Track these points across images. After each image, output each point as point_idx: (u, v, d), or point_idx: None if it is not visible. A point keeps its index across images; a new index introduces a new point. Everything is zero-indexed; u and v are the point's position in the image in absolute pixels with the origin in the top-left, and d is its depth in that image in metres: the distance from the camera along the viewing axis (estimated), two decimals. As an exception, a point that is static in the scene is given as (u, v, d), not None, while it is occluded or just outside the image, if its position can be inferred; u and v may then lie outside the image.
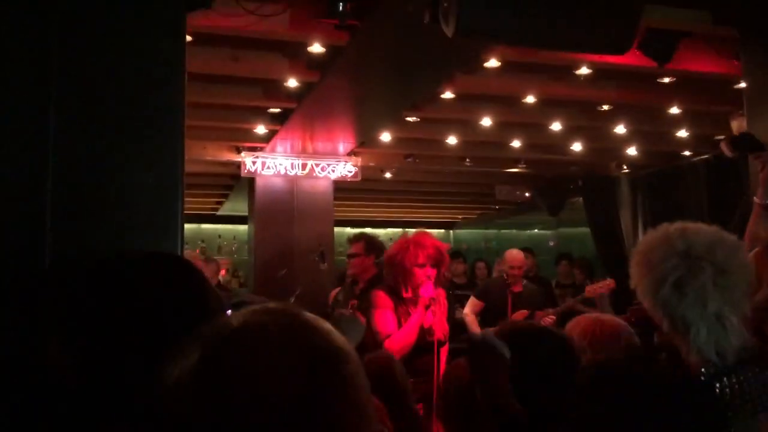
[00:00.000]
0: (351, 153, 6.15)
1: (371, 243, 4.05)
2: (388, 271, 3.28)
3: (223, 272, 9.06)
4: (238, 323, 0.67)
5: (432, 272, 3.21)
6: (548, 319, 4.71)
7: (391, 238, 10.32)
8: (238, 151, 5.88)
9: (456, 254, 7.20)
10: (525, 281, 5.04)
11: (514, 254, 5.08)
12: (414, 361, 3.02)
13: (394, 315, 3.21)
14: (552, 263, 7.42)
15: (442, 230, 11.76)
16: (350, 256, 4.15)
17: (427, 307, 3.16)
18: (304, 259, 5.88)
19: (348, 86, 4.00)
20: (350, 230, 11.08)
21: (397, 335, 3.15)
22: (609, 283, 4.96)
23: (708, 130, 5.50)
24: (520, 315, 4.80)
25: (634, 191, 7.17)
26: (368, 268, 3.99)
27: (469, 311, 5.06)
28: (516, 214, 9.97)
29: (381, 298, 3.25)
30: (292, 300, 5.01)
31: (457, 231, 11.82)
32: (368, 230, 11.18)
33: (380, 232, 11.14)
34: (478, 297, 5.13)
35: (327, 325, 0.68)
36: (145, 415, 0.65)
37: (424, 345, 3.14)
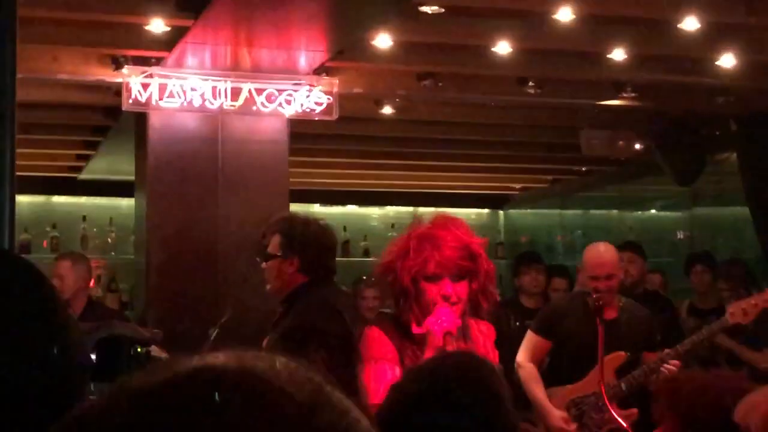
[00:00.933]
0: (321, 69, 6.18)
1: (291, 233, 4.18)
2: (388, 291, 3.33)
3: (91, 282, 9.12)
4: (154, 403, 0.68)
5: (453, 289, 3.25)
6: (669, 368, 4.78)
7: (393, 226, 10.40)
8: (117, 64, 5.89)
9: (536, 258, 7.28)
10: (624, 300, 5.07)
11: (599, 252, 5.15)
12: None
13: (396, 368, 3.26)
14: (683, 270, 7.47)
15: (485, 210, 11.83)
16: (266, 256, 4.35)
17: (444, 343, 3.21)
18: (236, 260, 5.96)
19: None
20: (320, 209, 11.26)
21: None
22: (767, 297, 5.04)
23: None
24: (615, 360, 4.84)
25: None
26: (289, 277, 4.13)
27: (524, 359, 5.13)
28: (618, 182, 9.99)
29: (374, 340, 3.31)
30: (214, 334, 5.06)
31: (512, 212, 11.87)
32: (352, 209, 11.42)
33: (374, 212, 11.23)
34: (539, 332, 5.20)
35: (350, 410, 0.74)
36: None
37: None
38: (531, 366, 5.06)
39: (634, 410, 4.78)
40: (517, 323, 6.40)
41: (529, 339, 5.18)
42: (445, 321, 3.19)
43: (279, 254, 4.18)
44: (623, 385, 4.86)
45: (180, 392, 0.68)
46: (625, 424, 4.53)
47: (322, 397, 0.70)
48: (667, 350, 4.97)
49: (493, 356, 3.41)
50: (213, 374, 0.69)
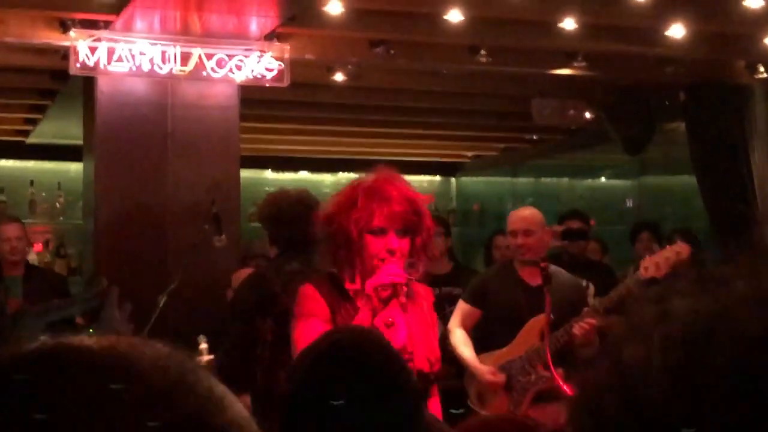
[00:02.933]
0: (272, 35, 6.14)
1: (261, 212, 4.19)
2: (326, 246, 3.30)
3: (38, 246, 9.03)
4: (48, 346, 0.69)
5: (399, 244, 3.23)
6: (582, 325, 4.85)
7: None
8: (65, 28, 5.81)
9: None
10: (552, 267, 5.13)
11: (519, 211, 5.35)
12: None
13: (327, 327, 3.24)
14: (629, 238, 7.55)
15: (438, 177, 11.85)
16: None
17: (385, 302, 3.19)
18: (185, 226, 5.92)
19: None
20: (272, 175, 11.22)
21: None
22: (679, 250, 5.07)
23: None
24: (535, 324, 4.91)
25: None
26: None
27: (454, 325, 5.23)
28: (568, 151, 10.05)
29: (307, 297, 3.28)
30: (163, 300, 5.05)
31: (464, 179, 11.90)
32: (304, 175, 11.38)
33: (326, 178, 11.22)
34: (469, 300, 5.30)
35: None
36: None
37: None
38: (461, 331, 5.18)
39: (559, 371, 4.83)
40: (437, 290, 6.39)
41: (460, 307, 5.28)
42: (391, 276, 3.16)
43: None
44: (547, 347, 4.92)
45: (31, 369, 0.67)
46: (561, 382, 4.59)
47: (184, 383, 0.69)
48: (586, 308, 5.05)
49: (431, 318, 3.42)
50: (61, 354, 0.68)
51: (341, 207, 3.26)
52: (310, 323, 3.22)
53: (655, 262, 5.08)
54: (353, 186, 3.31)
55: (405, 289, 3.22)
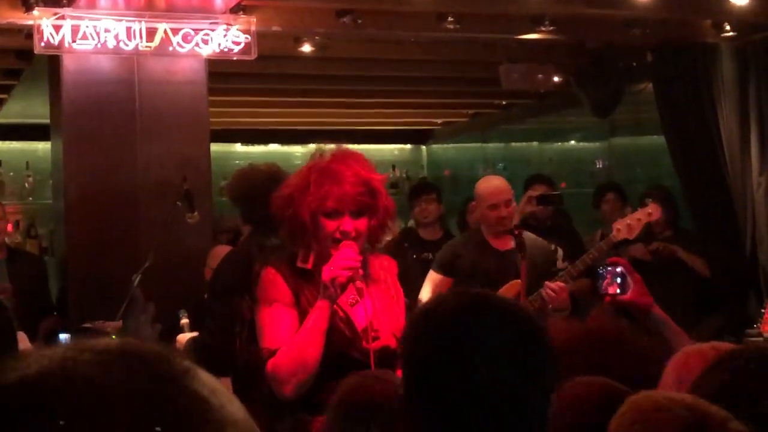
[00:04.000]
0: (238, 8, 6.09)
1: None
2: (283, 228, 3.31)
3: (9, 227, 8.96)
4: (22, 376, 0.69)
5: (353, 225, 3.22)
6: (555, 289, 4.88)
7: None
8: (28, 6, 5.74)
9: (426, 188, 7.24)
10: (525, 232, 5.15)
11: (495, 182, 5.35)
12: (331, 388, 3.03)
13: (292, 311, 3.24)
14: (592, 201, 7.60)
15: (408, 145, 11.85)
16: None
17: (343, 288, 3.17)
18: (156, 204, 5.89)
19: None
20: (242, 148, 11.19)
21: (285, 350, 3.16)
22: (651, 211, 5.12)
23: None
24: (511, 288, 4.94)
25: (743, 70, 7.30)
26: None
27: (426, 294, 5.23)
28: (538, 115, 10.07)
29: (269, 282, 3.28)
30: (137, 279, 5.03)
31: (435, 146, 11.91)
32: (274, 147, 11.35)
33: (296, 150, 11.19)
34: (440, 270, 5.31)
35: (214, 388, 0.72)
36: None
37: (353, 359, 3.19)
38: None
39: None
40: (414, 256, 6.44)
41: (431, 277, 5.30)
42: (346, 260, 3.13)
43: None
44: None
45: (13, 399, 0.67)
46: None
47: (178, 385, 0.69)
48: (560, 273, 5.11)
49: (396, 291, 3.41)
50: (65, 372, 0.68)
51: (296, 189, 3.24)
52: (274, 309, 3.23)
53: (627, 224, 5.13)
54: (308, 167, 3.29)
55: (361, 272, 3.20)
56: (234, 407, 0.71)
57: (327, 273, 3.12)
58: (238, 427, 0.70)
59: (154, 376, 0.69)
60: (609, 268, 3.28)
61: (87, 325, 3.54)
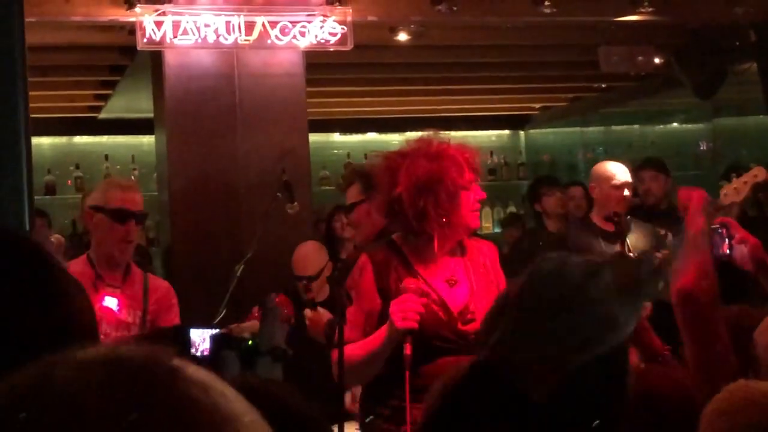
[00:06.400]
0: (334, 0, 6.14)
1: (366, 177, 4.05)
2: (409, 203, 3.24)
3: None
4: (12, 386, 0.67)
5: (479, 198, 3.35)
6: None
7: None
8: (130, 4, 5.87)
9: (550, 180, 7.24)
10: (629, 218, 5.24)
11: (616, 164, 5.40)
12: (428, 372, 3.05)
13: (371, 302, 3.26)
14: (710, 182, 7.44)
15: (506, 131, 11.78)
16: (348, 209, 4.28)
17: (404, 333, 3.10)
18: (257, 195, 5.96)
19: None
20: (340, 138, 11.25)
21: (348, 354, 3.14)
22: (756, 173, 5.03)
23: None
24: None
25: None
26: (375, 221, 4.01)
27: None
28: (638, 97, 9.91)
29: (358, 270, 3.33)
30: (240, 270, 5.11)
31: (533, 132, 11.81)
32: (372, 136, 11.38)
33: (394, 138, 11.21)
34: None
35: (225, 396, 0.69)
36: None
37: (449, 340, 3.21)
38: None
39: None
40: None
41: None
42: (417, 304, 3.10)
43: (364, 198, 4.11)
44: None
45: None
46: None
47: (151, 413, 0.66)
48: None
49: (496, 274, 3.40)
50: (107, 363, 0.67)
51: (433, 163, 3.25)
52: (357, 297, 3.31)
53: (734, 188, 5.09)
54: (415, 144, 3.33)
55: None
56: (230, 403, 0.68)
57: (397, 315, 3.08)
58: (234, 424, 0.67)
59: (137, 383, 0.66)
60: (719, 229, 3.33)
61: (223, 330, 3.59)
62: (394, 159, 3.34)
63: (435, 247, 3.29)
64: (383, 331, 3.16)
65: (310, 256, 5.22)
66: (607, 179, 5.31)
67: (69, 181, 9.58)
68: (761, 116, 7.93)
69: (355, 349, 3.19)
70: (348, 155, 10.76)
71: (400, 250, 3.34)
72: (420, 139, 3.36)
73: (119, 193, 3.99)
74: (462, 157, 3.28)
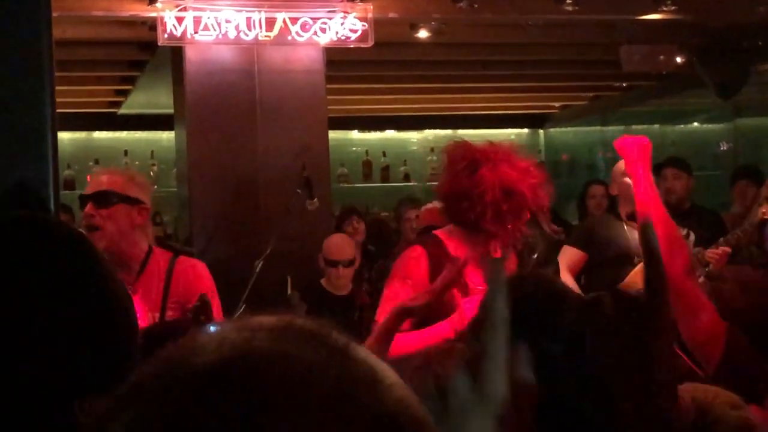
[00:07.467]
0: (354, -4, 6.17)
1: None
2: (492, 201, 3.28)
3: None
4: (222, 358, 0.68)
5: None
6: (712, 254, 5.04)
7: (432, 149, 10.39)
8: (151, 0, 5.89)
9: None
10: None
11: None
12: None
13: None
14: (727, 183, 7.41)
15: (525, 130, 11.77)
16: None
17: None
18: (277, 191, 5.98)
19: None
20: (358, 135, 11.27)
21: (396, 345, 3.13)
22: None
23: None
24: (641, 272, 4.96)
25: None
26: None
27: (562, 269, 5.31)
28: (659, 97, 9.88)
29: (414, 260, 3.34)
30: (259, 265, 5.12)
31: (552, 130, 11.80)
32: (391, 134, 11.40)
33: (412, 136, 11.23)
34: (575, 244, 5.43)
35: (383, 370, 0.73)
36: None
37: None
38: (568, 277, 5.21)
39: None
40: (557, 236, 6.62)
41: (566, 252, 5.39)
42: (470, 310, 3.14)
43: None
44: None
45: (226, 381, 0.67)
46: None
47: (348, 371, 0.70)
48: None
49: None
50: (254, 362, 0.68)
51: (517, 174, 3.32)
52: (405, 286, 3.27)
53: None
54: (481, 147, 3.38)
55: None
56: (389, 371, 0.73)
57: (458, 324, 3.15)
58: (396, 388, 0.71)
59: (328, 348, 0.70)
60: None
61: None
62: (475, 155, 3.37)
63: (492, 248, 3.35)
64: (440, 329, 3.18)
65: (345, 241, 5.43)
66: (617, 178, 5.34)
67: (88, 177, 9.60)
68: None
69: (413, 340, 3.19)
70: (366, 153, 10.77)
71: (444, 246, 3.37)
72: (500, 144, 3.44)
73: (91, 181, 3.63)
74: (540, 180, 3.40)
